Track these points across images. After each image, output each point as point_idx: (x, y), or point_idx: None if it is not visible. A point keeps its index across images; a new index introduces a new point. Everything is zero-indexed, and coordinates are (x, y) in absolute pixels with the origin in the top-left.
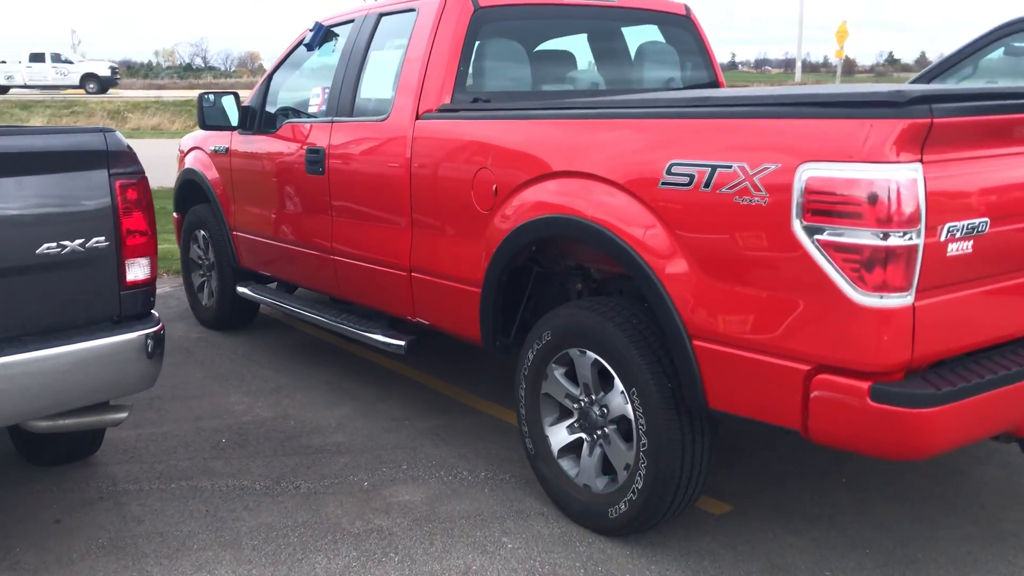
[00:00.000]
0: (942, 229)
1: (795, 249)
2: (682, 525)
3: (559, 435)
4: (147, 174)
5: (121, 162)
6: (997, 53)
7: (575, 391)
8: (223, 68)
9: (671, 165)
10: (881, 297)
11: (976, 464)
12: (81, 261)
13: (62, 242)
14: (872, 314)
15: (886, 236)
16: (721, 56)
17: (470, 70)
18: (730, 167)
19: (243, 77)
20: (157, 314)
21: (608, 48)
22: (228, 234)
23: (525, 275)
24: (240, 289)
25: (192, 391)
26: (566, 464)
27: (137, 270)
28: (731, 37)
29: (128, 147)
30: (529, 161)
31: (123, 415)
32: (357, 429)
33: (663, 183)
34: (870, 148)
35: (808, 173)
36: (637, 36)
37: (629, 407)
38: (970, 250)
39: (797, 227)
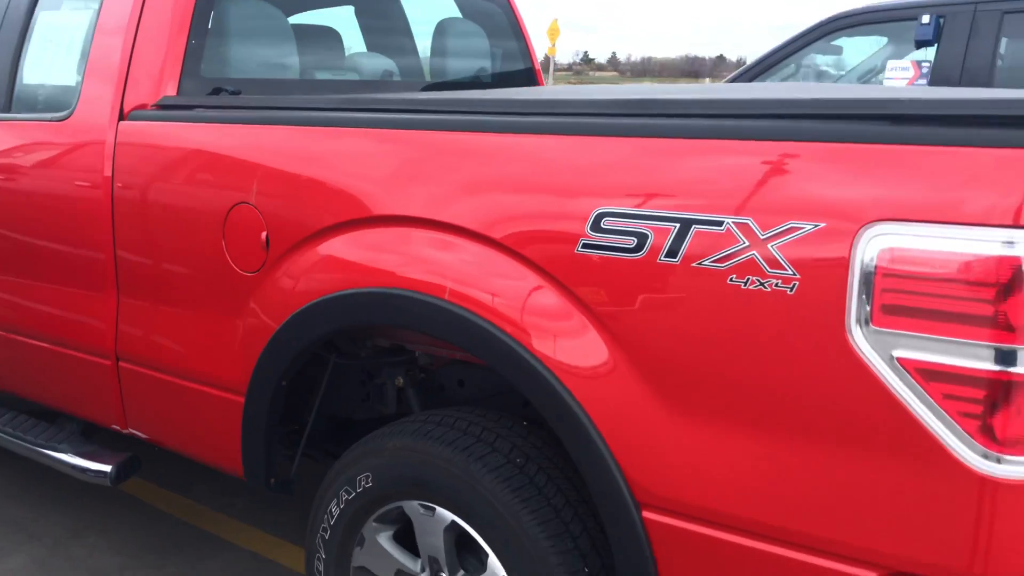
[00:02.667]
0: None
1: (855, 373)
2: None
3: None
4: None
5: None
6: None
7: (412, 566)
8: None
9: (600, 216)
10: (1020, 462)
11: None
12: None
13: None
14: (1006, 491)
15: None
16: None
17: (207, 45)
18: (720, 224)
19: None
20: None
21: (381, 24)
22: None
23: (316, 366)
24: None
25: None
26: None
27: None
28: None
29: None
30: (330, 195)
31: None
32: None
33: (586, 245)
34: (1005, 201)
35: (883, 241)
36: (430, 12)
37: None
38: None
39: (858, 336)
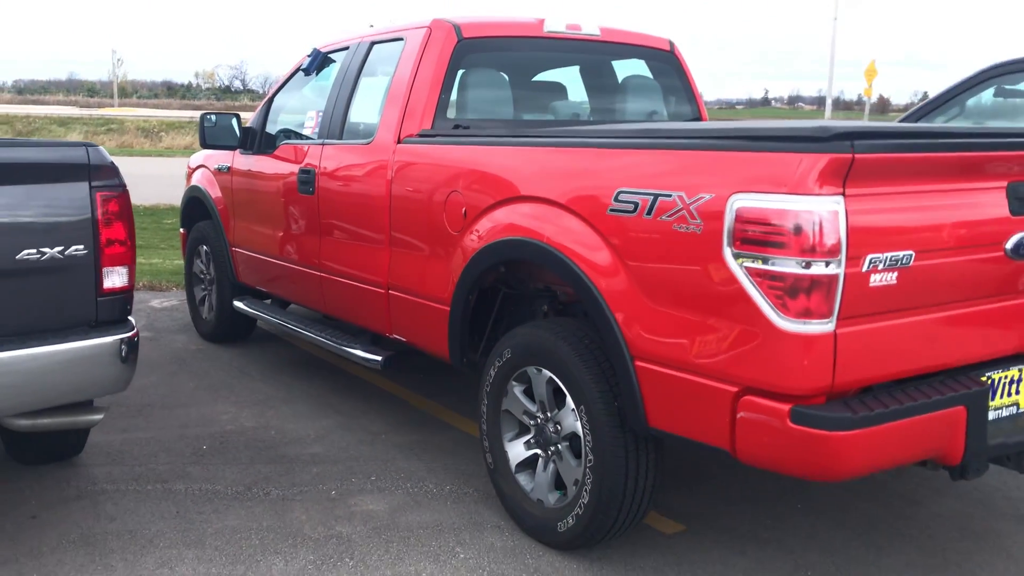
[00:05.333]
0: (864, 260)
1: (726, 275)
2: (631, 542)
3: (517, 450)
4: (173, 191)
5: (103, 175)
6: (987, 94)
7: (532, 408)
8: (260, 91)
9: (619, 192)
10: (803, 323)
11: (933, 495)
12: (60, 267)
13: (42, 249)
14: (794, 339)
15: (808, 265)
16: (755, 92)
17: (452, 98)
18: (670, 196)
19: None
20: (133, 320)
21: (593, 81)
22: (227, 250)
23: (494, 296)
24: (236, 304)
25: (182, 400)
26: (523, 479)
27: (115, 278)
28: (766, 72)
29: (111, 162)
30: (492, 185)
31: (98, 416)
32: (334, 441)
33: (611, 209)
34: (795, 180)
35: (739, 203)
36: (625, 70)
37: (579, 424)
38: (894, 281)
39: (728, 254)
